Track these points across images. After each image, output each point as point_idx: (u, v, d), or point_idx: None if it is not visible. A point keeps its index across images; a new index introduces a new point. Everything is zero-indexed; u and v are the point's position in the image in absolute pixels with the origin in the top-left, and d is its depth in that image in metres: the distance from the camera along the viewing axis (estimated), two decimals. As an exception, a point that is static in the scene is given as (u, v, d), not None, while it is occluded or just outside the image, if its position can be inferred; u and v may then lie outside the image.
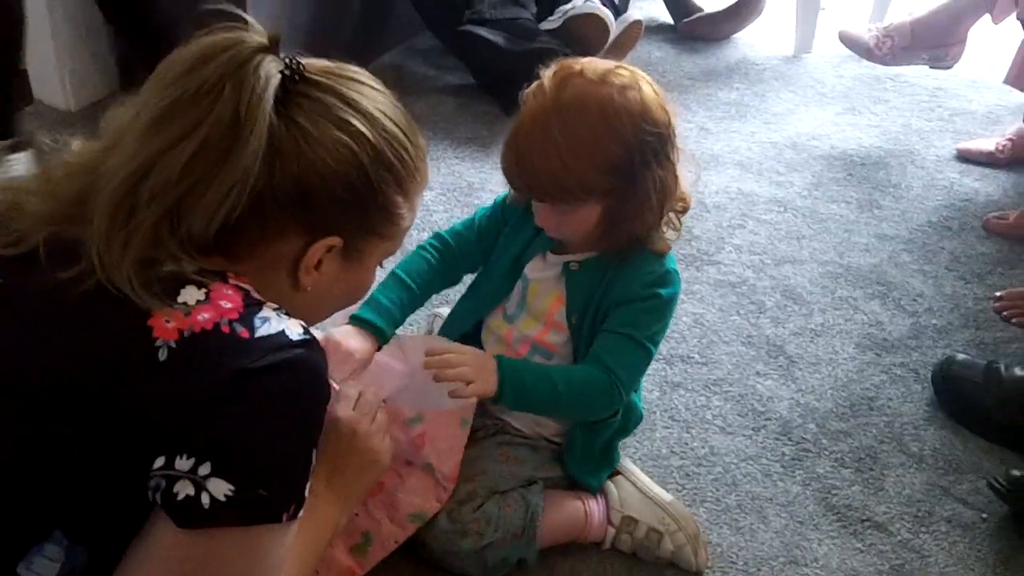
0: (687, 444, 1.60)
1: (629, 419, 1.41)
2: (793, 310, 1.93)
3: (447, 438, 1.26)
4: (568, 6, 2.52)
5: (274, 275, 0.93)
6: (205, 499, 0.81)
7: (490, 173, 2.21)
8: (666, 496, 1.41)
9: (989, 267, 2.10)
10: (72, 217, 0.87)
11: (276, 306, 0.90)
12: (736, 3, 3.04)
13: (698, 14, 3.04)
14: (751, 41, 3.05)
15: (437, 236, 1.42)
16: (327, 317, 1.10)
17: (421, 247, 1.42)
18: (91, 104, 2.28)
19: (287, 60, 0.89)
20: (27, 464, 0.83)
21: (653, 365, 1.35)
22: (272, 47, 0.88)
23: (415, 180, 0.97)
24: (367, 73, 0.95)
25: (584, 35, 2.47)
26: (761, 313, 1.91)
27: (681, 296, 1.28)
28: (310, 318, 1.03)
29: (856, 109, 2.71)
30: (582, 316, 1.30)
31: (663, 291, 1.27)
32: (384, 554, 1.25)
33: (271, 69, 0.86)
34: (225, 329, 0.84)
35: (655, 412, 1.64)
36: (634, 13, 2.64)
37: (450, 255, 1.41)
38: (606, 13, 2.50)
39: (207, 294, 0.85)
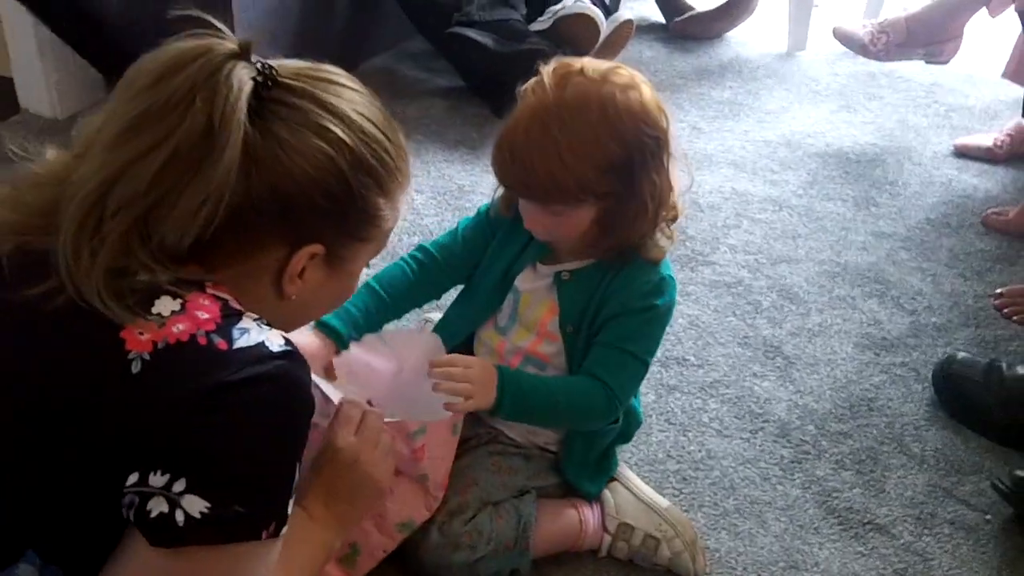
0: (684, 448, 1.57)
1: (630, 425, 1.40)
2: (790, 310, 1.91)
3: (440, 445, 1.24)
4: (558, 6, 2.50)
5: (255, 284, 0.91)
6: (179, 516, 0.78)
7: (480, 176, 2.19)
8: (663, 501, 1.39)
9: (989, 264, 2.08)
10: (40, 227, 0.84)
11: (256, 316, 0.87)
12: (727, 2, 3.02)
13: (689, 13, 3.02)
14: (744, 39, 3.03)
15: (421, 248, 1.39)
16: (312, 321, 1.07)
17: (403, 258, 1.39)
18: (77, 113, 2.25)
19: (259, 66, 0.86)
20: None
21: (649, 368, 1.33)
22: (243, 53, 0.85)
23: (396, 180, 0.95)
24: (343, 72, 0.93)
25: (574, 35, 2.45)
26: (757, 313, 1.89)
27: (677, 299, 1.26)
28: (294, 325, 1.01)
29: (851, 106, 2.69)
30: (577, 326, 1.28)
31: (659, 301, 1.25)
32: (373, 564, 1.23)
33: (243, 76, 0.84)
34: (202, 341, 0.81)
35: (651, 415, 1.62)
36: (625, 13, 2.62)
37: (434, 267, 1.38)
38: (596, 13, 2.48)
39: (183, 304, 0.83)
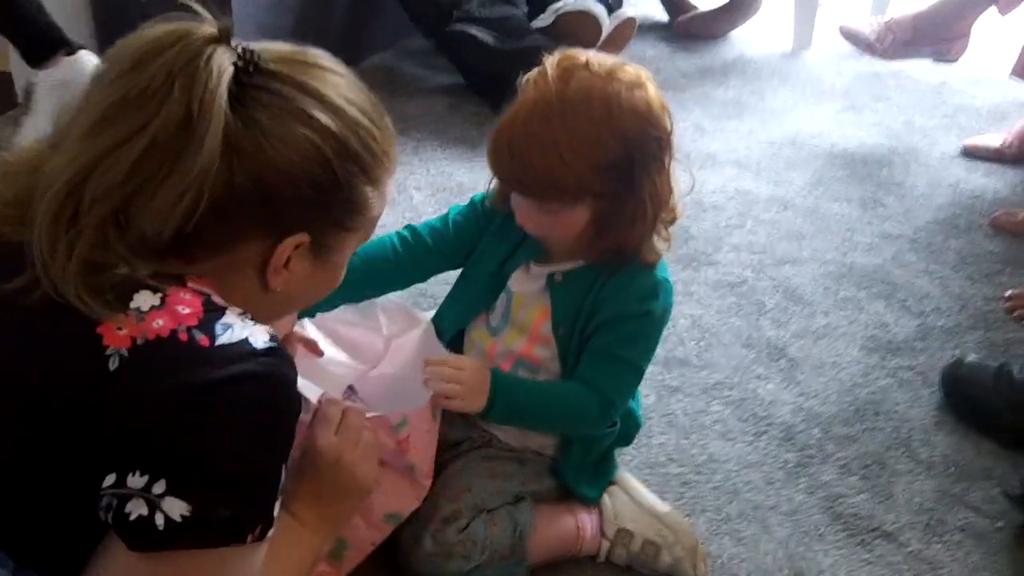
0: (685, 451, 1.54)
1: (629, 428, 1.37)
2: (795, 311, 1.88)
3: (423, 434, 1.21)
4: (559, 3, 2.48)
5: (238, 276, 0.88)
6: (159, 520, 0.76)
7: (480, 173, 2.16)
8: (663, 506, 1.36)
9: (998, 266, 2.05)
10: (14, 219, 0.81)
11: (240, 311, 0.84)
12: (731, 1, 2.99)
13: (693, 12, 3.00)
14: (748, 38, 3.01)
15: (409, 228, 1.35)
16: (297, 312, 1.04)
17: (388, 235, 1.34)
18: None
19: (240, 51, 0.83)
20: None
21: (649, 369, 1.31)
22: (223, 37, 0.82)
23: (383, 166, 0.91)
24: (327, 56, 0.90)
25: (576, 33, 2.43)
26: (761, 314, 1.86)
27: (678, 298, 1.24)
28: (279, 317, 0.98)
29: (857, 106, 2.67)
30: (570, 329, 1.25)
31: (655, 307, 1.22)
32: (361, 557, 1.20)
33: (223, 62, 0.80)
34: (183, 337, 0.78)
35: (652, 418, 1.59)
36: (627, 10, 2.59)
37: (420, 248, 1.33)
38: (599, 10, 2.46)
39: (163, 299, 0.80)
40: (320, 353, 1.24)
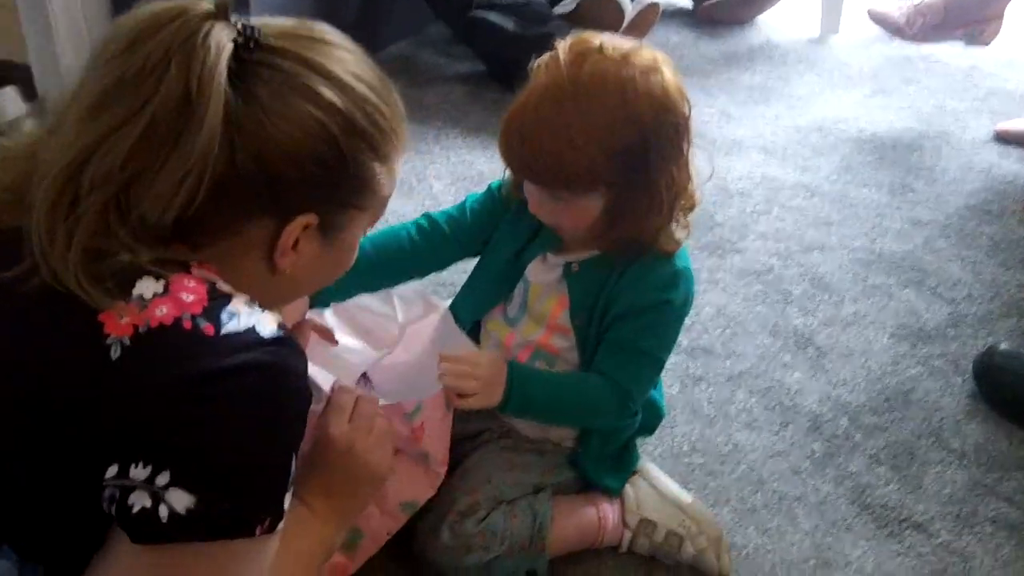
0: (710, 440, 1.51)
1: (651, 418, 1.34)
2: (822, 299, 1.84)
3: (437, 422, 1.19)
4: (581, -11, 2.44)
5: (245, 260, 0.85)
6: (163, 512, 0.74)
7: (500, 162, 2.12)
8: (686, 496, 1.33)
9: (1032, 252, 1.99)
10: (9, 205, 0.80)
11: (247, 298, 0.82)
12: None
13: (717, -2, 2.95)
14: (774, 23, 2.96)
15: (426, 216, 1.33)
16: (306, 296, 1.02)
17: (404, 224, 1.33)
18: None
19: (240, 26, 0.80)
20: None
21: (673, 358, 1.27)
22: (221, 12, 0.80)
23: (392, 143, 0.89)
24: (332, 29, 0.87)
25: (598, 18, 2.40)
26: (788, 303, 1.82)
27: (703, 286, 1.20)
28: (287, 301, 0.96)
29: (886, 90, 2.61)
30: (588, 318, 1.22)
31: (674, 296, 1.19)
32: (376, 548, 1.18)
33: (222, 37, 0.78)
34: (187, 325, 0.76)
35: (676, 407, 1.56)
36: (651, -5, 2.55)
37: (437, 236, 1.31)
38: (621, -5, 2.42)
39: (166, 286, 0.78)
40: (335, 342, 1.22)
